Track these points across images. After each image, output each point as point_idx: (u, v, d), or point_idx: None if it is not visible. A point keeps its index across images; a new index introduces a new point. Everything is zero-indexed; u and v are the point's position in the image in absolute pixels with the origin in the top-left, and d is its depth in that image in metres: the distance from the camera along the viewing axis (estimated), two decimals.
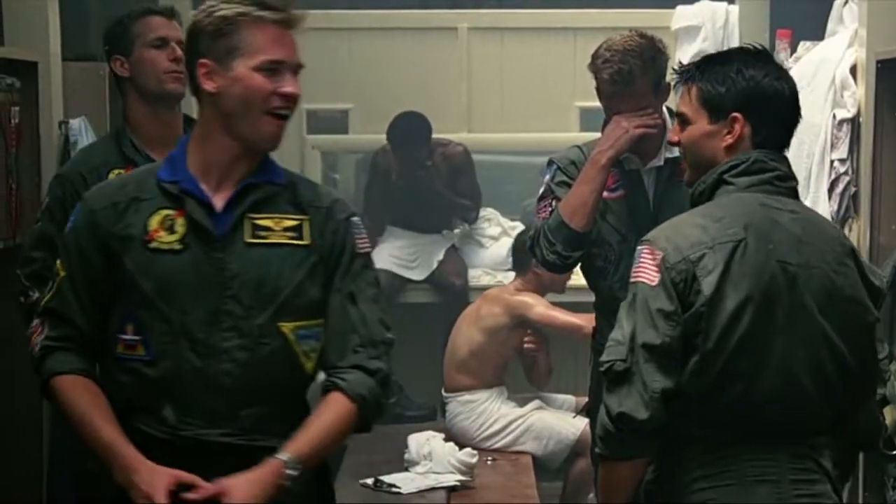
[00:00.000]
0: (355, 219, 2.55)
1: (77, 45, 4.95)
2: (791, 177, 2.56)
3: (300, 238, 2.47)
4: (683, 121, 2.60)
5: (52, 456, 3.86)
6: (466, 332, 5.42)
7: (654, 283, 2.41)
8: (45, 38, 4.26)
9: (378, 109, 6.28)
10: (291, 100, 2.45)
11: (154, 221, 2.45)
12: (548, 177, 3.67)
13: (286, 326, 2.45)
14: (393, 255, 6.21)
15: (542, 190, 3.69)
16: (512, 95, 6.67)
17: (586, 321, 4.50)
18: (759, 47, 2.62)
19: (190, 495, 2.33)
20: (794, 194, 2.56)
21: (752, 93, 2.52)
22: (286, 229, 2.47)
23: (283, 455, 2.37)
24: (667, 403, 2.38)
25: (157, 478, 2.33)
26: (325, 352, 2.49)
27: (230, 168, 2.48)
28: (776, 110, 2.55)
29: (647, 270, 2.44)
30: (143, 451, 2.38)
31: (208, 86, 2.44)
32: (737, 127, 2.52)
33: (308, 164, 6.56)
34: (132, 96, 3.42)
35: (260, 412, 2.43)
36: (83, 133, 4.28)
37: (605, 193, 3.57)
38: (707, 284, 2.38)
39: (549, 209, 3.60)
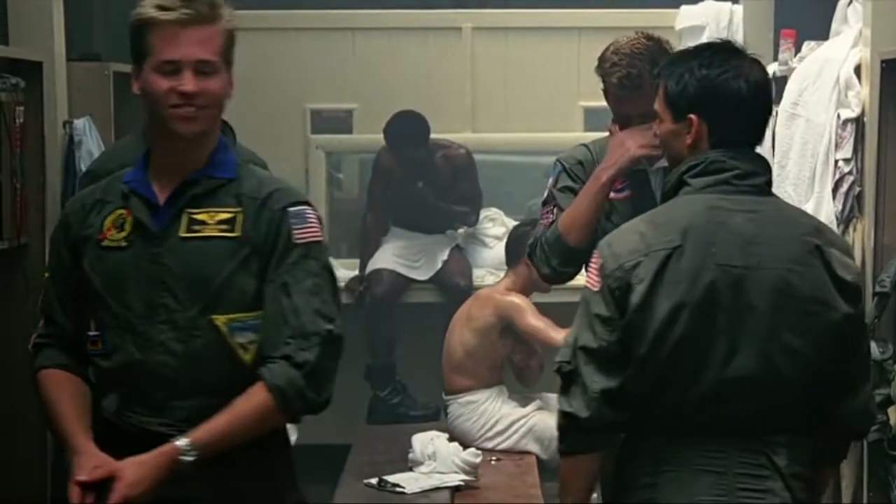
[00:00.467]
0: (297, 208, 2.53)
1: (81, 46, 4.97)
2: (756, 173, 2.54)
3: (232, 230, 2.50)
4: (659, 118, 2.64)
5: (58, 456, 3.87)
6: (459, 334, 5.43)
7: (595, 289, 2.49)
8: (49, 38, 4.28)
9: (382, 109, 6.27)
10: (191, 97, 2.48)
11: (108, 221, 2.56)
12: (551, 180, 3.65)
13: (219, 319, 2.48)
14: (397, 255, 6.21)
15: (545, 194, 3.68)
16: (516, 95, 6.67)
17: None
18: (726, 42, 2.64)
19: (82, 477, 2.40)
20: (760, 191, 2.53)
21: (705, 92, 2.53)
22: (220, 222, 2.50)
23: (180, 440, 2.41)
24: (613, 402, 2.45)
25: (87, 459, 2.43)
26: (260, 343, 2.50)
27: (177, 164, 2.54)
28: (732, 109, 2.53)
29: (591, 276, 2.52)
30: (106, 440, 2.49)
31: (134, 87, 2.55)
32: (694, 128, 2.54)
33: (312, 163, 6.57)
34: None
35: (198, 403, 2.47)
36: (87, 133, 4.29)
37: (611, 194, 3.56)
38: (636, 294, 2.44)
39: (551, 217, 3.59)
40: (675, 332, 2.42)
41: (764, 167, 2.57)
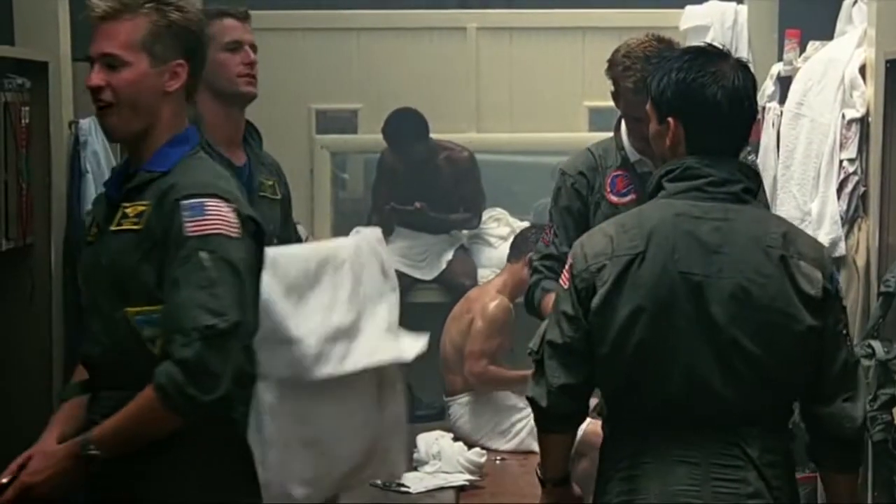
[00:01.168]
0: (192, 200, 2.43)
1: (87, 45, 4.96)
2: (732, 180, 2.54)
3: (138, 223, 2.48)
4: (650, 118, 2.66)
5: None
6: (450, 335, 5.44)
7: (566, 287, 2.58)
8: (55, 38, 4.28)
9: (387, 109, 6.28)
10: (96, 92, 2.50)
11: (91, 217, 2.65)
12: (553, 193, 3.64)
13: (129, 312, 2.46)
14: (402, 255, 6.21)
15: (550, 204, 3.67)
16: (521, 95, 6.67)
17: None
18: (709, 46, 2.64)
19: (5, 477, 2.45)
20: (737, 199, 2.54)
21: (682, 96, 2.54)
22: (135, 216, 2.49)
23: (84, 435, 2.42)
24: (572, 396, 2.57)
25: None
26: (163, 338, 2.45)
27: (131, 160, 2.58)
28: (708, 114, 2.54)
29: (564, 275, 2.61)
30: None
31: None
32: (671, 131, 2.57)
33: (317, 163, 6.58)
34: (204, 96, 3.31)
35: (122, 396, 2.44)
36: (93, 133, 4.29)
37: (614, 198, 3.54)
38: (598, 296, 2.51)
39: (548, 238, 3.58)
40: (634, 335, 2.49)
41: (742, 175, 2.57)
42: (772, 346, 2.48)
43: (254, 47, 3.40)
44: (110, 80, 2.48)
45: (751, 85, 2.59)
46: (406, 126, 6.08)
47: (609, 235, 2.56)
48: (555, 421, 2.63)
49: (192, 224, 2.39)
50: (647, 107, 2.65)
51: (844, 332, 2.57)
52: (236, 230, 2.42)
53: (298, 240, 3.73)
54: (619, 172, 3.55)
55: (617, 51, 3.47)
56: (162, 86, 2.51)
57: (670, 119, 2.56)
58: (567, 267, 2.60)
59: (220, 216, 2.41)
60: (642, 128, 3.46)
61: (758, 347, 2.47)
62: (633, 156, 3.53)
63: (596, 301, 2.51)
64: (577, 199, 3.56)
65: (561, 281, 2.62)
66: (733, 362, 2.47)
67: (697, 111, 2.54)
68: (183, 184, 2.46)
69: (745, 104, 2.57)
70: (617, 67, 3.44)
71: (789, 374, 2.52)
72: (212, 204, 2.42)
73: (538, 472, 2.79)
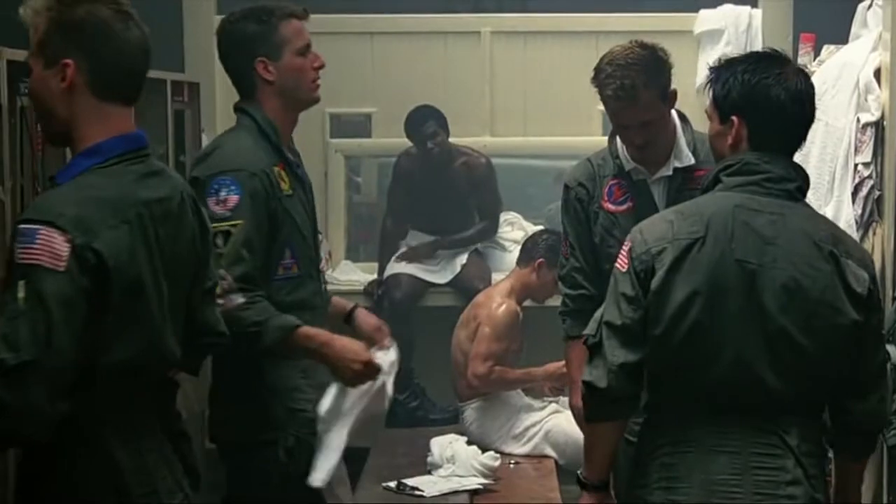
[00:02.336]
0: (26, 226, 2.35)
1: None
2: (787, 178, 2.68)
3: None
4: (710, 118, 2.78)
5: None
6: (462, 341, 5.44)
7: (623, 270, 2.68)
8: None
9: (401, 113, 6.29)
10: None
11: None
12: (561, 205, 3.69)
13: None
14: (415, 260, 6.23)
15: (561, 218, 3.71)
16: (534, 99, 6.67)
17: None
18: (773, 51, 2.77)
19: None
20: (790, 195, 2.68)
21: (747, 96, 2.67)
22: None
23: None
24: (630, 376, 2.64)
25: None
26: None
27: None
28: (771, 114, 2.67)
29: (621, 258, 2.70)
30: None
31: None
32: (734, 129, 2.69)
33: (331, 167, 6.59)
34: (269, 96, 3.36)
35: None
36: None
37: (611, 206, 3.55)
38: (657, 278, 2.61)
39: (567, 248, 3.67)
40: (689, 317, 2.59)
41: (798, 174, 2.71)
42: (818, 337, 2.59)
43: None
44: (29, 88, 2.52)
45: (811, 89, 2.73)
46: (428, 119, 6.08)
47: (669, 220, 2.68)
48: (613, 403, 2.67)
49: (21, 251, 2.33)
50: (708, 107, 2.76)
51: (883, 332, 2.73)
52: (60, 263, 2.32)
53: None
54: (615, 181, 3.58)
55: (601, 59, 3.48)
56: (55, 86, 2.46)
57: (734, 118, 2.68)
58: (626, 251, 2.69)
59: (46, 247, 2.32)
60: (629, 134, 3.48)
61: (805, 338, 2.58)
62: (627, 164, 3.55)
63: (655, 281, 2.61)
64: (582, 210, 3.60)
65: (618, 265, 2.70)
66: (780, 350, 2.58)
67: (762, 111, 2.67)
68: (35, 205, 2.46)
69: (806, 106, 2.71)
70: (600, 75, 3.48)
71: (831, 367, 2.63)
72: (44, 233, 2.33)
73: (580, 475, 2.82)
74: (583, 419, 2.83)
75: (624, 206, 3.54)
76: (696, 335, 2.59)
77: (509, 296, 5.42)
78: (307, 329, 3.23)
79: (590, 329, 2.72)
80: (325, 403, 3.28)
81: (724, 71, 2.73)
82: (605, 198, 3.58)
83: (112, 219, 2.42)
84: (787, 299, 2.59)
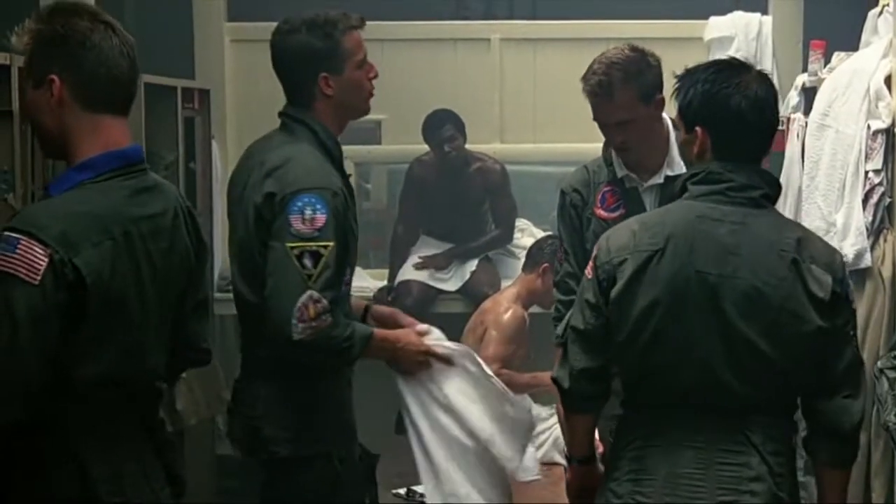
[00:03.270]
0: (9, 234, 2.38)
1: None
2: (752, 186, 2.69)
3: None
4: (679, 127, 2.84)
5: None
6: (471, 346, 5.41)
7: (589, 277, 2.77)
8: None
9: (411, 120, 6.30)
10: None
11: None
12: (556, 210, 3.70)
13: None
14: (431, 268, 6.22)
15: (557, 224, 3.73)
16: (544, 106, 6.67)
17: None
18: (733, 59, 2.82)
19: None
20: (755, 203, 2.69)
21: (707, 107, 2.70)
22: None
23: None
24: (592, 380, 2.77)
25: None
26: None
27: None
28: (732, 124, 2.69)
29: (590, 264, 2.79)
30: None
31: None
32: (698, 139, 2.72)
33: None
34: (325, 108, 3.30)
35: None
36: None
37: (603, 213, 3.56)
38: (617, 288, 2.68)
39: (562, 255, 3.67)
40: (649, 326, 2.65)
41: (764, 181, 2.72)
42: (781, 344, 2.63)
43: None
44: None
45: (772, 95, 2.74)
46: (445, 123, 6.09)
47: (632, 230, 2.73)
48: (577, 401, 2.83)
49: (1, 258, 2.36)
50: (675, 116, 2.81)
51: (852, 332, 2.72)
52: (35, 276, 2.34)
53: None
54: (608, 188, 3.59)
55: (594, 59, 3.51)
56: (46, 103, 2.50)
57: (697, 128, 2.71)
58: (592, 258, 2.77)
59: (24, 258, 2.35)
60: (608, 133, 3.52)
61: (768, 345, 2.62)
62: (620, 170, 3.55)
63: (615, 292, 2.68)
64: (576, 216, 3.61)
65: (586, 270, 2.79)
66: (743, 358, 2.63)
67: (722, 120, 2.69)
68: (23, 214, 2.49)
69: (767, 113, 2.72)
70: (586, 72, 3.52)
71: (796, 370, 2.66)
72: (24, 243, 2.36)
73: (565, 452, 3.00)
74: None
75: (616, 214, 3.54)
76: (658, 343, 2.66)
77: (516, 301, 5.42)
78: (377, 332, 3.31)
79: (559, 329, 2.88)
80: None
81: (686, 80, 2.75)
82: (598, 204, 3.59)
83: (96, 235, 2.43)
84: (749, 308, 2.62)
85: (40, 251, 2.35)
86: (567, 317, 2.79)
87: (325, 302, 3.10)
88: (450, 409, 3.42)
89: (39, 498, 2.47)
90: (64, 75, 2.47)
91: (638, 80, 3.45)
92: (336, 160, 3.33)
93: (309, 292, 3.08)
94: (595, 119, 3.55)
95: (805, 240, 2.71)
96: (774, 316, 2.62)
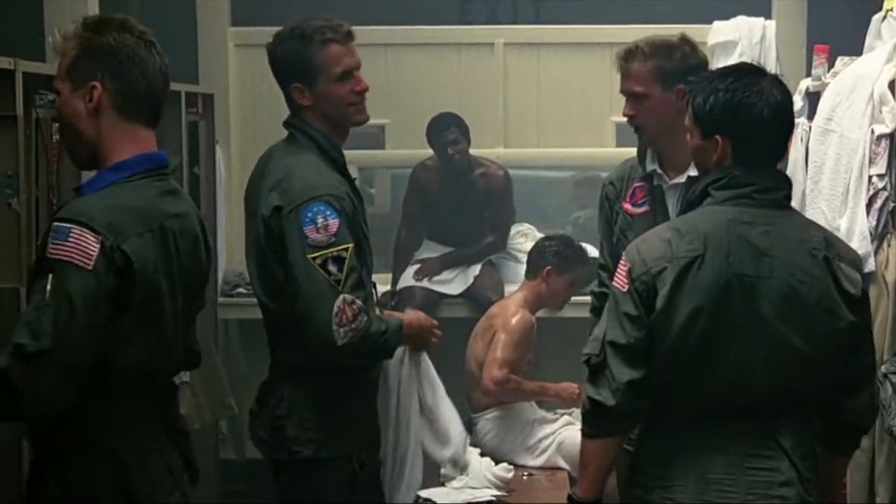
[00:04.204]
0: (60, 224, 2.52)
1: None
2: (776, 188, 2.75)
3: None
4: (689, 133, 2.85)
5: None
6: (478, 352, 5.42)
7: (624, 290, 2.73)
8: None
9: (414, 125, 6.30)
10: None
11: None
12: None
13: None
14: (424, 275, 6.22)
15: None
16: (548, 110, 6.68)
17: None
18: (749, 64, 2.87)
19: None
20: (779, 204, 2.75)
21: (730, 115, 2.73)
22: None
23: None
24: (637, 392, 2.70)
25: None
26: None
27: None
28: (754, 129, 2.73)
29: (620, 277, 2.75)
30: None
31: None
32: (719, 147, 2.75)
33: None
34: (313, 117, 3.38)
35: None
36: None
37: (630, 208, 3.58)
38: (661, 297, 2.67)
39: (600, 245, 3.76)
40: (694, 332, 2.65)
41: (783, 183, 2.79)
42: (818, 342, 2.66)
43: (359, 66, 3.40)
44: (57, 111, 2.69)
45: (789, 98, 2.79)
46: (450, 126, 6.09)
47: (666, 239, 2.73)
48: (618, 419, 2.74)
49: (53, 247, 2.50)
50: (688, 122, 2.82)
51: (869, 330, 2.80)
52: (88, 262, 2.48)
53: None
54: (640, 184, 3.62)
55: None
56: (83, 107, 2.64)
57: (718, 137, 2.74)
58: (623, 271, 2.74)
59: (77, 245, 2.49)
60: (625, 105, 3.52)
61: (804, 344, 2.66)
62: (650, 165, 3.57)
63: (660, 302, 2.67)
64: (609, 209, 3.66)
65: (617, 284, 2.75)
66: (780, 357, 2.66)
67: (746, 127, 2.73)
68: (69, 207, 2.59)
69: (786, 117, 2.78)
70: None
71: (829, 369, 2.70)
72: (76, 231, 2.50)
73: (573, 493, 2.90)
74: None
75: (641, 210, 3.58)
76: (701, 349, 2.66)
77: (524, 306, 5.41)
78: (405, 318, 3.43)
79: (591, 349, 2.77)
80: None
81: (703, 87, 2.78)
82: (627, 198, 3.62)
83: (139, 226, 2.58)
84: (786, 308, 2.66)
85: (92, 238, 2.49)
86: (600, 336, 2.75)
87: (359, 302, 3.18)
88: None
89: (79, 489, 2.58)
90: (107, 83, 2.64)
91: (661, 59, 3.50)
92: (339, 165, 3.37)
93: (342, 296, 3.16)
94: (620, 90, 3.60)
95: (830, 238, 2.79)
96: (811, 314, 2.66)
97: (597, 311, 3.73)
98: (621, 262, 2.77)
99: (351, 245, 3.21)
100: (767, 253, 2.68)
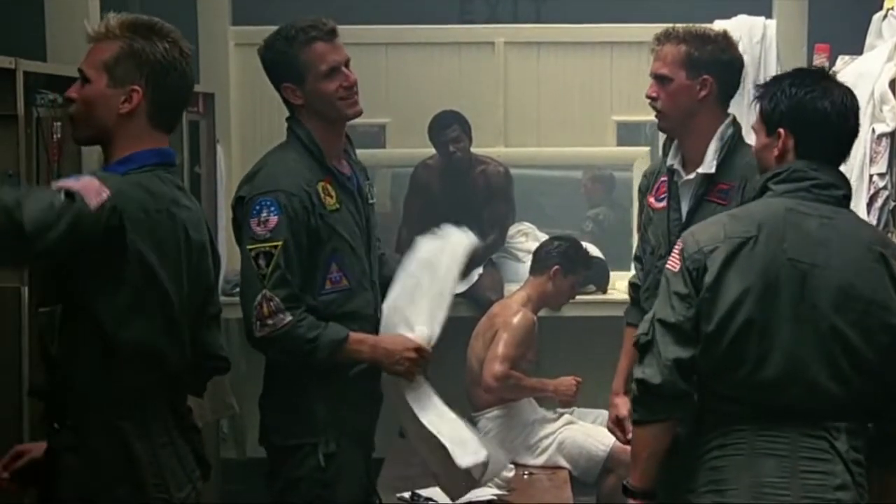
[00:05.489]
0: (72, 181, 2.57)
1: None
2: (835, 185, 2.77)
3: None
4: (756, 132, 2.91)
5: None
6: (475, 349, 5.43)
7: (675, 270, 2.75)
8: (85, 53, 4.30)
9: (415, 124, 6.30)
10: (68, 102, 2.76)
11: None
12: None
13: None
14: None
15: None
16: (548, 110, 6.67)
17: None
18: (816, 68, 2.98)
19: None
20: (838, 202, 2.76)
21: (793, 110, 2.79)
22: None
23: None
24: (683, 372, 2.68)
25: None
26: None
27: None
28: (817, 125, 2.78)
29: (673, 259, 2.78)
30: None
31: None
32: (781, 140, 2.80)
33: None
34: (306, 115, 3.46)
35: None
36: None
37: (653, 201, 3.64)
38: (710, 274, 2.68)
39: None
40: (741, 313, 2.65)
41: (843, 182, 2.81)
42: (870, 337, 2.65)
43: (348, 63, 3.45)
44: (78, 92, 2.71)
45: (855, 104, 2.83)
46: (452, 123, 6.10)
47: (721, 223, 2.78)
48: (666, 400, 2.70)
49: (65, 182, 2.51)
50: (755, 122, 2.89)
51: None
52: (95, 201, 2.47)
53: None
54: (664, 179, 3.64)
55: None
56: (116, 106, 2.69)
57: (781, 130, 2.79)
58: (677, 251, 2.78)
59: (91, 185, 2.50)
60: (655, 87, 3.54)
61: (858, 337, 2.64)
62: (671, 159, 3.58)
63: (708, 277, 2.68)
64: (642, 201, 3.71)
65: (670, 266, 2.78)
66: (833, 351, 2.63)
67: (809, 122, 2.78)
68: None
69: (850, 119, 2.81)
70: None
71: (883, 369, 2.66)
72: (88, 178, 2.54)
73: (626, 483, 2.83)
74: (631, 423, 2.89)
75: (661, 204, 3.61)
76: (747, 332, 2.65)
77: (526, 304, 5.41)
78: (355, 335, 3.37)
79: (642, 329, 2.78)
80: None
81: (770, 87, 2.86)
82: (653, 192, 3.65)
83: (145, 203, 2.61)
84: (842, 299, 2.65)
85: (103, 189, 2.51)
86: (650, 317, 2.78)
87: (277, 300, 3.26)
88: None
89: (91, 479, 2.62)
90: (148, 91, 2.69)
91: (692, 46, 3.53)
92: (319, 161, 3.43)
93: (263, 291, 3.26)
94: (649, 72, 3.63)
95: (885, 238, 2.82)
96: (865, 308, 2.65)
97: (633, 300, 3.86)
98: (676, 245, 2.81)
99: (281, 243, 3.29)
100: (823, 243, 2.69)
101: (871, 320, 2.65)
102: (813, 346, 2.64)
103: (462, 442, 3.52)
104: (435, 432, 3.48)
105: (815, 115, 2.77)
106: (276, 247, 3.29)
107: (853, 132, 2.85)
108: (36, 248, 2.39)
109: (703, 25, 3.62)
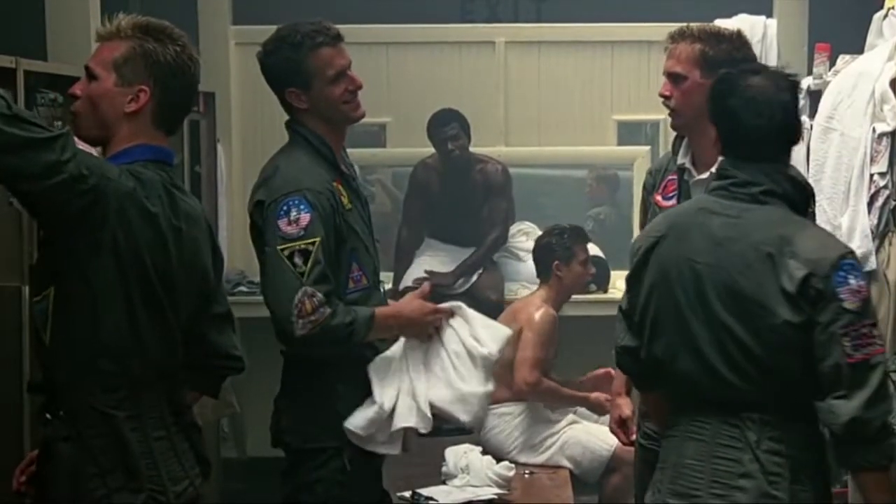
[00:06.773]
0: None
1: None
2: (753, 182, 2.79)
3: None
4: None
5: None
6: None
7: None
8: (87, 53, 4.23)
9: (415, 123, 6.31)
10: (72, 98, 2.77)
11: None
12: None
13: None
14: (431, 267, 6.21)
15: None
16: (549, 109, 6.68)
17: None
18: (759, 64, 3.01)
19: None
20: (754, 199, 2.79)
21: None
22: None
23: None
24: (631, 358, 2.96)
25: None
26: None
27: None
28: (727, 123, 2.83)
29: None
30: None
31: None
32: (716, 137, 2.89)
33: None
34: (310, 118, 3.44)
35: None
36: None
37: (660, 200, 3.61)
38: (631, 270, 2.92)
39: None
40: (650, 308, 2.85)
41: (764, 178, 2.79)
42: (756, 334, 2.72)
43: (350, 64, 3.45)
44: (83, 88, 2.72)
45: (779, 98, 2.80)
46: (451, 121, 6.10)
47: (654, 222, 2.99)
48: (633, 379, 3.11)
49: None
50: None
51: (842, 332, 2.66)
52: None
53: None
54: (672, 177, 3.63)
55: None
56: (122, 104, 2.71)
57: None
58: None
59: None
60: (669, 85, 3.54)
61: (747, 335, 2.73)
62: (681, 158, 3.58)
63: (629, 275, 2.93)
64: (646, 199, 3.71)
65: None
66: (728, 347, 2.74)
67: (720, 119, 2.87)
68: None
69: (766, 114, 2.79)
70: None
71: (781, 366, 2.72)
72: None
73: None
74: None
75: (669, 203, 3.59)
76: (657, 327, 2.84)
77: (546, 302, 5.40)
78: (379, 310, 3.39)
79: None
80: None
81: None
82: (660, 190, 3.64)
83: (143, 191, 2.63)
84: (730, 299, 2.74)
85: (96, 153, 2.55)
86: None
87: (319, 295, 3.22)
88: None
89: (84, 467, 2.63)
90: (156, 93, 2.71)
91: (706, 45, 3.51)
92: (330, 162, 3.43)
93: (304, 288, 3.22)
94: (663, 70, 3.62)
95: (796, 235, 2.73)
96: (747, 306, 2.72)
97: None
98: None
99: (318, 239, 3.26)
100: (720, 243, 2.77)
101: (755, 320, 2.72)
102: (711, 344, 2.75)
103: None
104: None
105: (725, 114, 2.83)
106: (312, 243, 3.26)
107: (777, 128, 2.81)
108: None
109: (716, 24, 3.60)
